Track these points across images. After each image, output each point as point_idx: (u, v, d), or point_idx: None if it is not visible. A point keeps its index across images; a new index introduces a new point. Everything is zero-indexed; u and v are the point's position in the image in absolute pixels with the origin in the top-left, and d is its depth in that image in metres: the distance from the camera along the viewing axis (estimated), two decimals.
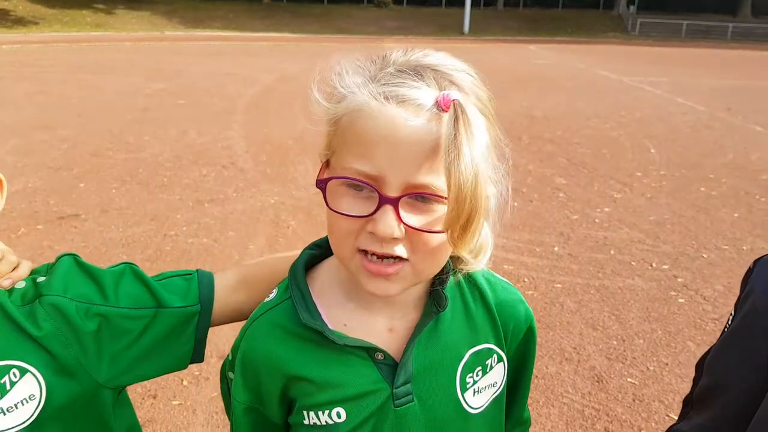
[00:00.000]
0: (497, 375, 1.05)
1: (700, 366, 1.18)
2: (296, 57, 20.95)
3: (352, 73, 0.87)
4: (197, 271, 1.13)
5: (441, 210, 0.82)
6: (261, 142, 8.57)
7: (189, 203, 6.00)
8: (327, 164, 0.91)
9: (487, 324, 1.03)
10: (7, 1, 35.15)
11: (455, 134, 0.77)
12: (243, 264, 1.20)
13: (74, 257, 1.05)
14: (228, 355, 1.06)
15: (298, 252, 1.06)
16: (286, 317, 0.97)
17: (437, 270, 0.92)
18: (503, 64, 20.57)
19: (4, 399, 0.93)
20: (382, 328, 0.98)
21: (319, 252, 1.04)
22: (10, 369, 0.94)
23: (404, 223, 0.81)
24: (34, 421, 0.95)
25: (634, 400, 3.24)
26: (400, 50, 0.89)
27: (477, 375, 1.02)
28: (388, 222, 0.80)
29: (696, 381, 1.18)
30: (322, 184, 0.86)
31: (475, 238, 0.83)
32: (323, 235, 1.01)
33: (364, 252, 0.85)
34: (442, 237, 0.83)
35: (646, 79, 17.49)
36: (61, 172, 6.90)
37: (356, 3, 46.53)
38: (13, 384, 0.94)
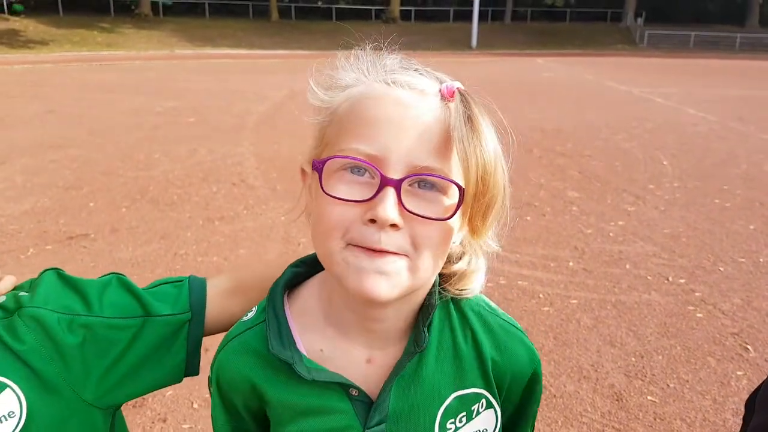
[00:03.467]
0: (485, 422, 0.97)
1: (751, 403, 1.11)
2: (305, 73, 20.91)
3: (352, 66, 0.88)
4: (189, 277, 1.09)
5: (445, 202, 0.79)
6: (271, 159, 8.57)
7: (199, 221, 5.98)
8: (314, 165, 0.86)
9: (477, 367, 0.95)
10: (18, 22, 35.63)
11: (470, 116, 0.77)
12: (237, 267, 1.16)
13: (57, 271, 1.02)
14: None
15: (292, 260, 1.02)
16: (259, 341, 0.93)
17: (432, 274, 0.86)
18: (512, 77, 20.57)
19: None
20: (360, 357, 0.92)
21: (304, 270, 1.00)
22: None
23: (406, 209, 0.76)
24: None
25: (655, 419, 3.16)
26: (391, 55, 0.89)
27: (460, 421, 0.94)
28: (389, 205, 0.75)
29: (747, 420, 1.11)
30: (319, 165, 0.81)
31: (492, 227, 0.84)
32: None
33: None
34: (445, 231, 0.80)
35: (656, 90, 17.45)
36: (71, 191, 6.90)
37: (364, 19, 46.84)
38: None
